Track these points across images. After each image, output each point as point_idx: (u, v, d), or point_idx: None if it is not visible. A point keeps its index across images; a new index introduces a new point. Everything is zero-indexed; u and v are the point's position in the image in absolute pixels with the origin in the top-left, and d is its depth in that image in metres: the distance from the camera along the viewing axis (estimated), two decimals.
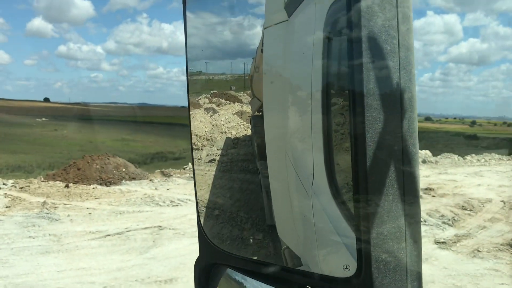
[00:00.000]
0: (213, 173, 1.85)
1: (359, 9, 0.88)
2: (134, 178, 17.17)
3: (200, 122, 1.95)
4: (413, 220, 0.94)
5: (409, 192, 0.92)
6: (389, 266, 0.92)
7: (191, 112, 1.75)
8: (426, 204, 13.65)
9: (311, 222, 1.43)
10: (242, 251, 1.71)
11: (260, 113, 1.68)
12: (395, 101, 0.91)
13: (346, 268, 1.00)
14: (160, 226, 11.40)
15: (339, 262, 1.04)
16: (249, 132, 1.96)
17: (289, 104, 1.66)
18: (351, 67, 0.93)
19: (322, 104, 1.34)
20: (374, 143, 0.89)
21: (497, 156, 25.31)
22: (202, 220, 1.60)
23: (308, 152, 1.45)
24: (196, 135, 1.89)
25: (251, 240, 1.74)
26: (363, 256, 0.93)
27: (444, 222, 12.01)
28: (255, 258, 1.61)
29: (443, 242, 10.44)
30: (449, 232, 11.25)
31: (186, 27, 1.61)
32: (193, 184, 1.82)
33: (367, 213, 0.91)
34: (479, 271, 8.86)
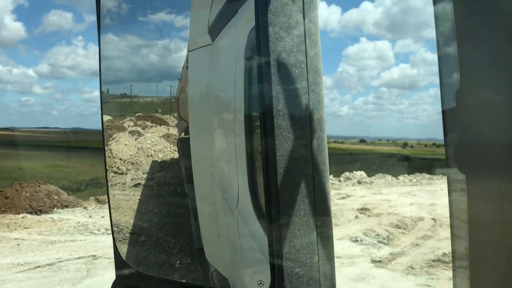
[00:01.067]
0: (139, 197, 1.81)
1: (267, 34, 0.92)
2: (67, 206, 16.44)
3: (124, 145, 1.92)
4: (325, 234, 0.97)
5: (320, 207, 0.96)
6: (302, 280, 0.95)
7: (114, 136, 1.72)
8: (362, 224, 14.03)
9: (236, 242, 1.44)
10: (168, 275, 1.69)
11: (187, 135, 1.68)
12: (305, 121, 0.94)
13: (261, 283, 1.01)
14: (95, 256, 10.92)
15: (257, 279, 1.06)
16: (176, 155, 1.94)
17: (214, 126, 1.67)
18: (262, 89, 0.96)
19: (245, 126, 1.37)
20: (285, 161, 0.92)
21: (428, 175, 26.51)
22: (125, 247, 1.56)
23: (234, 174, 1.47)
24: (120, 159, 1.86)
25: (179, 265, 1.71)
26: (276, 271, 0.95)
27: (379, 241, 12.37)
28: (179, 280, 1.59)
29: (379, 261, 10.73)
30: (384, 251, 11.59)
31: (100, 49, 1.58)
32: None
33: (279, 228, 0.94)
34: None
